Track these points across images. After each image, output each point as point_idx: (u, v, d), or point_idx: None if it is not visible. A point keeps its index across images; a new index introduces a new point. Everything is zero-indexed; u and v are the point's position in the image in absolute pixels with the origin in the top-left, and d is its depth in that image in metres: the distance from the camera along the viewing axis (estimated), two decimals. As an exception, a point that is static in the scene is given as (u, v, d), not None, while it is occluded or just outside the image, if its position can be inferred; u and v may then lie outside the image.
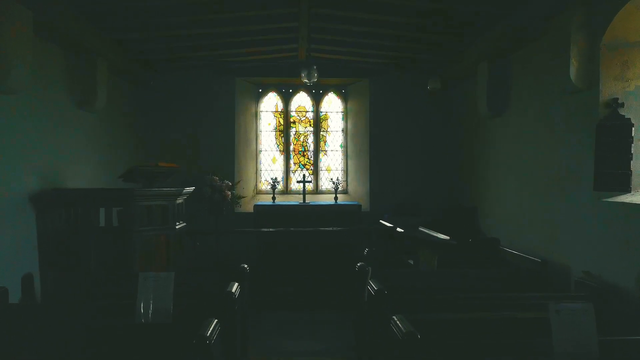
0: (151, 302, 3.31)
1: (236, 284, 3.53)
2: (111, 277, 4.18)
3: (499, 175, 6.14)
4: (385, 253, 5.21)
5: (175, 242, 4.79)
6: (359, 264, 4.37)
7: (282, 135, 8.67)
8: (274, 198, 7.90)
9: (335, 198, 7.95)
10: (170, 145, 7.87)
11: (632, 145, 3.80)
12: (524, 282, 4.35)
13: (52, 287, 4.27)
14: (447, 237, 4.36)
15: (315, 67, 5.90)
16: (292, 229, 6.65)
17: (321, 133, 8.72)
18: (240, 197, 7.87)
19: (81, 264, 4.36)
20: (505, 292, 3.94)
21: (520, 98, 5.60)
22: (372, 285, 3.58)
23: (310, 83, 5.93)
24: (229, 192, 7.51)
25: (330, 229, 6.56)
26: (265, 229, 6.60)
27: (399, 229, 4.63)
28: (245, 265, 4.32)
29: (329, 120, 8.76)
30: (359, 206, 7.62)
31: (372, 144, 8.15)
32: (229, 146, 8.02)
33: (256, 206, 7.52)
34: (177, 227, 4.84)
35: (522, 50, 5.48)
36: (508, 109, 5.89)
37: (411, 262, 5.07)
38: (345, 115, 8.73)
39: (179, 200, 4.98)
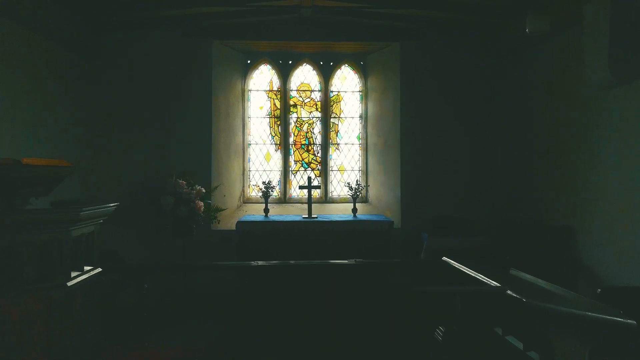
0: None
1: None
2: None
3: (620, 179, 3.89)
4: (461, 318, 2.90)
5: (66, 310, 2.45)
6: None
7: (278, 122, 6.35)
8: (266, 210, 5.57)
9: (354, 210, 5.62)
10: (114, 136, 5.58)
11: None
12: None
13: None
14: (620, 314, 2.04)
15: None
16: (293, 262, 4.31)
17: (331, 120, 6.44)
18: (219, 210, 5.53)
19: None
20: None
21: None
22: None
23: None
24: (202, 203, 5.19)
25: (354, 261, 4.21)
26: (253, 263, 4.26)
27: (524, 299, 2.28)
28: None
29: (342, 102, 6.50)
30: (390, 223, 5.27)
31: (404, 134, 5.90)
32: (204, 138, 5.70)
33: (240, 223, 5.15)
34: (71, 280, 2.50)
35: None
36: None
37: (521, 346, 2.72)
38: (365, 95, 6.43)
39: (81, 230, 2.64)
